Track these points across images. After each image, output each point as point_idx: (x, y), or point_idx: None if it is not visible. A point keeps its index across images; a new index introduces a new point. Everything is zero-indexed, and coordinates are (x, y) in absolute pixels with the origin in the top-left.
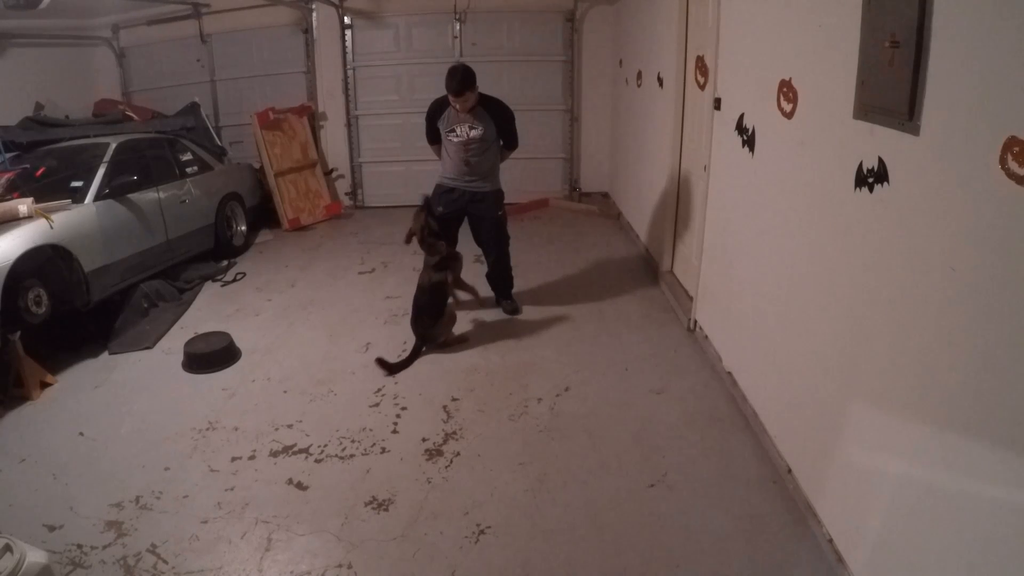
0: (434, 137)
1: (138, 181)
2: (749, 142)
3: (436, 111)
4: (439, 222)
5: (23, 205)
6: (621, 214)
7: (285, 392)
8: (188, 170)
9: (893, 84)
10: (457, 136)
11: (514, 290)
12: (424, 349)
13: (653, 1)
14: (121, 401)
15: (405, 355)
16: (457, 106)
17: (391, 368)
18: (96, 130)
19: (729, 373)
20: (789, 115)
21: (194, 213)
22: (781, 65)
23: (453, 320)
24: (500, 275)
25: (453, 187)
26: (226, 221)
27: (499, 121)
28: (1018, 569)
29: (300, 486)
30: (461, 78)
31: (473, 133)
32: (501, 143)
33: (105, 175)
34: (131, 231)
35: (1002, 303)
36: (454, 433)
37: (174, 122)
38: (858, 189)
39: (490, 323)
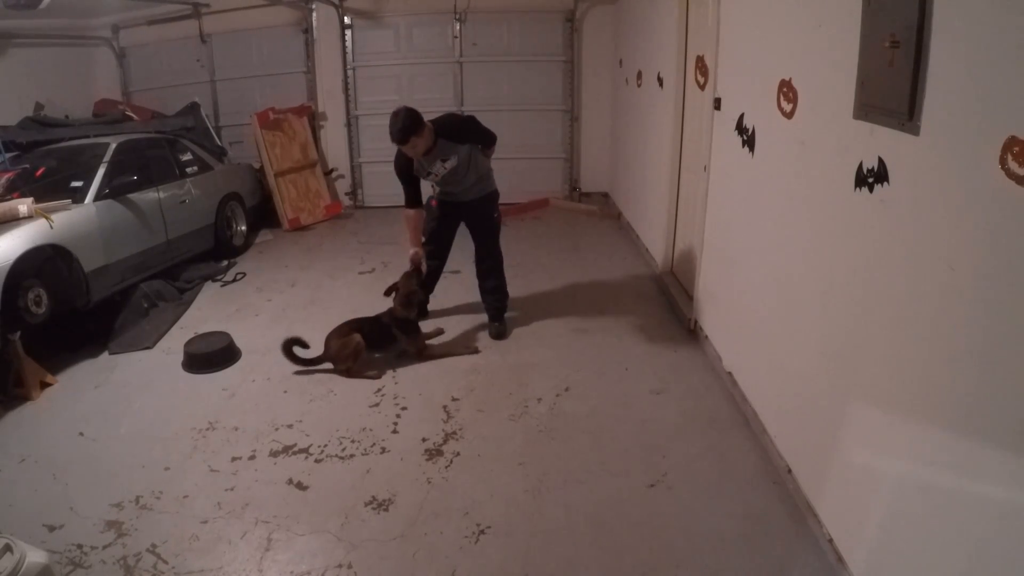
0: (413, 197)
1: (138, 181)
2: (749, 142)
3: (405, 165)
4: (431, 234)
5: (23, 205)
6: (621, 214)
7: (285, 392)
8: (188, 170)
9: (893, 84)
10: (436, 176)
11: (513, 292)
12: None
13: (653, 1)
14: (121, 401)
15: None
16: (409, 152)
17: (298, 360)
18: (96, 130)
19: (729, 373)
20: (789, 115)
21: (194, 213)
22: (781, 65)
23: (358, 353)
24: (492, 288)
25: (448, 201)
26: (226, 221)
27: (465, 138)
28: (1018, 569)
29: (300, 486)
30: (402, 126)
31: (449, 164)
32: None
33: (105, 175)
34: (131, 231)
35: (1002, 303)
36: (454, 433)
37: (174, 122)
38: (858, 189)
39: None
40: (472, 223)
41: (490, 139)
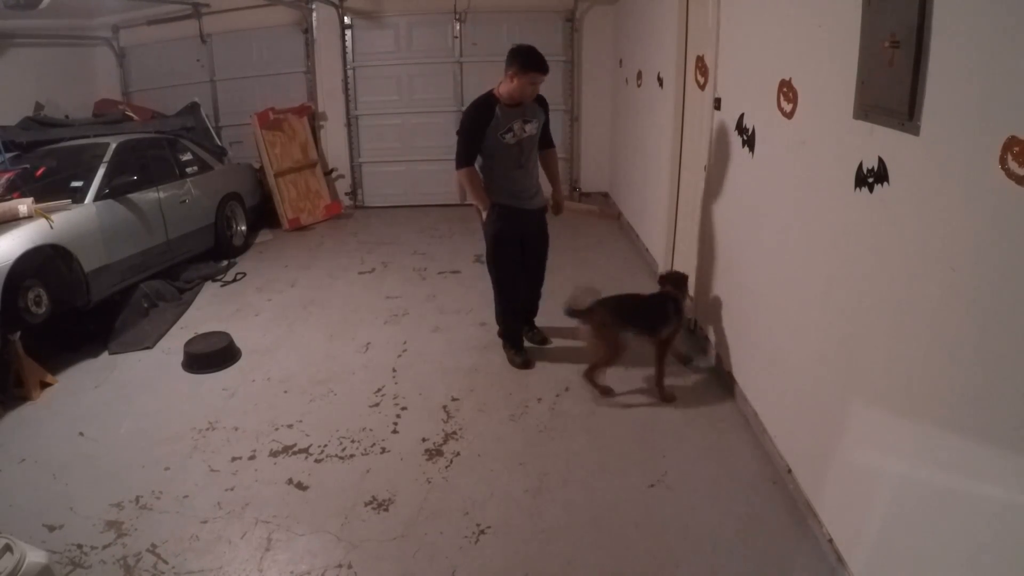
0: (474, 156)
1: (138, 181)
2: (749, 142)
3: (485, 116)
4: (503, 246)
5: (23, 205)
6: (621, 214)
7: (285, 392)
8: (188, 170)
9: (893, 84)
10: (514, 136)
11: None
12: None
13: (653, 1)
14: (121, 401)
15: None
16: (528, 89)
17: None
18: (96, 130)
19: (729, 373)
20: (789, 115)
21: (194, 213)
22: (781, 65)
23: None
24: (535, 301)
25: (522, 208)
26: (226, 221)
27: (546, 111)
28: (1018, 569)
29: (300, 486)
30: (541, 55)
31: (528, 128)
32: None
33: (105, 175)
34: (131, 231)
35: (1002, 303)
36: (454, 433)
37: (174, 122)
38: (858, 189)
39: (490, 324)
40: (534, 236)
41: (550, 138)
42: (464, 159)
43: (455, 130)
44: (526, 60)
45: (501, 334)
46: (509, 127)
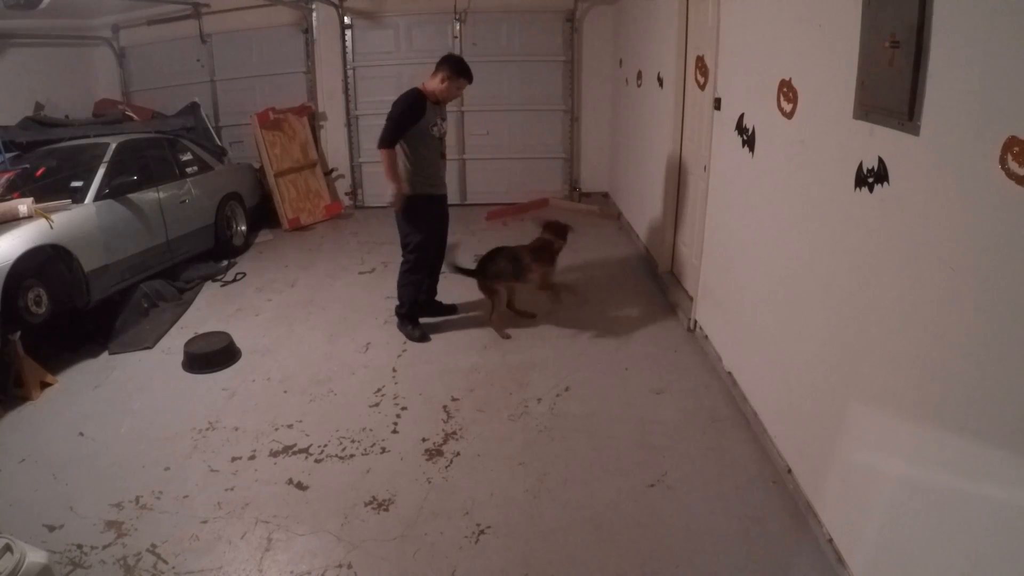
0: (397, 140)
1: (138, 181)
2: (749, 142)
3: (418, 109)
4: (430, 233)
5: (23, 205)
6: (621, 214)
7: (285, 392)
8: (188, 170)
9: (893, 84)
10: (438, 130)
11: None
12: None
13: (653, 1)
14: (121, 401)
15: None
16: (455, 93)
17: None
18: (96, 130)
19: (729, 373)
20: (789, 115)
21: (194, 213)
22: (781, 65)
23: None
24: (437, 277)
25: (441, 195)
26: (226, 221)
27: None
28: (1018, 569)
29: (300, 486)
30: (469, 67)
31: (443, 125)
32: None
33: (105, 175)
34: (131, 231)
35: (1002, 303)
36: (454, 433)
37: (174, 122)
38: (858, 189)
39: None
40: (444, 217)
41: None
42: (390, 141)
43: (387, 114)
44: (458, 68)
45: (405, 315)
46: (435, 122)
